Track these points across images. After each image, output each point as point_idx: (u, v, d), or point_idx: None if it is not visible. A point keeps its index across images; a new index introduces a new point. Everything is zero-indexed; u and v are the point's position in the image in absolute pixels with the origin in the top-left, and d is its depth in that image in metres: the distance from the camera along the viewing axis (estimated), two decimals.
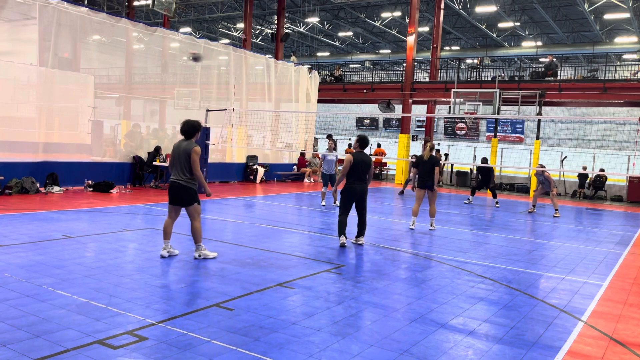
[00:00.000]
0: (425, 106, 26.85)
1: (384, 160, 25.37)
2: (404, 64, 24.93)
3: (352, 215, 8.12)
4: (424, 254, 7.98)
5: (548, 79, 21.11)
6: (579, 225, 12.47)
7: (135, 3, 28.11)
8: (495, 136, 21.70)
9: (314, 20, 33.74)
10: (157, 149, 14.87)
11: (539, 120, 22.11)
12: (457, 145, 30.18)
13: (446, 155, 24.07)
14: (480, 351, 4.24)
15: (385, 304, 5.32)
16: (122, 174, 14.40)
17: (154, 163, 14.72)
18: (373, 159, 23.94)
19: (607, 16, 28.47)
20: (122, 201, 11.80)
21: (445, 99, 22.17)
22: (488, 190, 16.27)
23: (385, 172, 25.79)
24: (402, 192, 17.59)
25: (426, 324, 4.79)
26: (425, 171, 10.06)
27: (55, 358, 3.63)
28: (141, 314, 4.57)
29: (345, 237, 8.01)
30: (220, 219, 10.24)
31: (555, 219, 13.02)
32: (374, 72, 32.27)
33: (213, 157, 17.02)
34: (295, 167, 20.95)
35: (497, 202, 15.53)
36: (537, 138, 20.52)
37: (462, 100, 20.41)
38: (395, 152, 23.46)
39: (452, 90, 20.69)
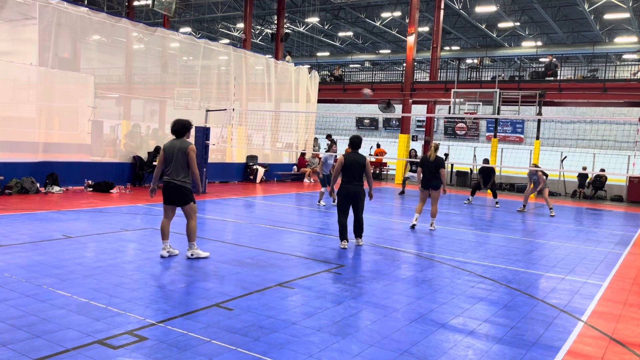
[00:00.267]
0: (425, 106, 26.87)
1: (384, 160, 25.37)
2: (404, 64, 24.94)
3: (352, 216, 8.12)
4: (424, 254, 7.98)
5: (548, 79, 21.11)
6: (579, 225, 12.47)
7: (135, 3, 28.13)
8: (495, 136, 21.69)
9: (314, 20, 33.75)
10: (157, 149, 14.86)
11: (539, 120, 22.12)
12: (457, 145, 30.23)
13: (446, 155, 24.09)
14: (480, 351, 4.24)
15: (385, 304, 5.32)
16: (122, 174, 14.40)
17: (154, 163, 14.71)
18: (373, 159, 24.21)
19: (607, 16, 28.48)
20: (122, 201, 11.80)
21: (445, 99, 22.17)
22: (488, 190, 16.28)
23: (385, 172, 25.79)
24: (402, 192, 17.58)
25: (426, 324, 4.79)
26: (430, 171, 10.08)
27: (55, 358, 3.63)
28: (141, 314, 4.57)
29: (347, 241, 7.99)
30: (220, 219, 10.24)
31: (555, 219, 13.03)
32: (374, 72, 32.29)
33: (213, 157, 17.02)
34: (295, 167, 20.96)
35: (497, 202, 15.54)
36: (537, 138, 20.53)
37: (462, 100, 20.41)
38: (395, 152, 23.47)
39: (452, 90, 20.69)
